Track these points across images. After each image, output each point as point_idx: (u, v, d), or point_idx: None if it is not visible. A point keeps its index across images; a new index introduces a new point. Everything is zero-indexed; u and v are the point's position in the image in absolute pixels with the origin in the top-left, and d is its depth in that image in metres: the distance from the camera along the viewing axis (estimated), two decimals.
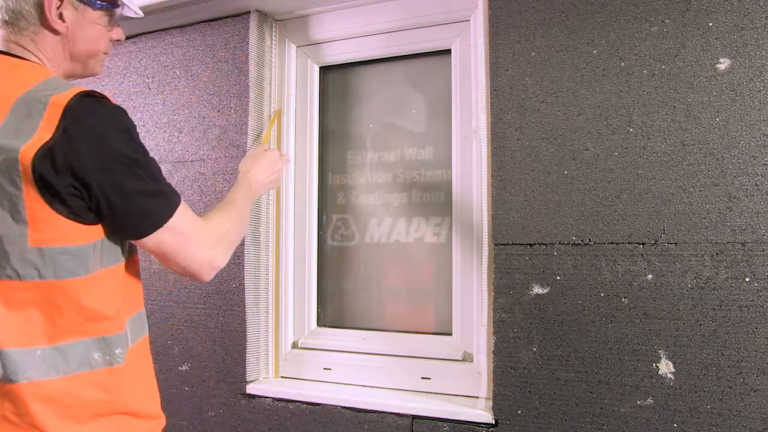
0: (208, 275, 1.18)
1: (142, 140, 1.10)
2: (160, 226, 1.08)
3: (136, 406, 1.11)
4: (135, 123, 1.09)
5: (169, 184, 1.13)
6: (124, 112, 1.07)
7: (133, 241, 1.13)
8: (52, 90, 1.01)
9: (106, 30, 1.19)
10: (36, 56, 1.12)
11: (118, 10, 1.21)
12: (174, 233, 1.10)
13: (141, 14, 1.27)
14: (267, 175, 1.57)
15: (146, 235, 1.08)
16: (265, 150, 1.65)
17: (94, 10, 1.15)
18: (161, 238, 1.09)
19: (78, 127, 0.98)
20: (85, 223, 1.02)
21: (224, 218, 1.26)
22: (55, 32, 1.11)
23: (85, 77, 1.25)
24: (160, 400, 1.22)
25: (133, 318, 1.16)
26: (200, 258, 1.15)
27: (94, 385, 1.05)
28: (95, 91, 1.04)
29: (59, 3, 1.10)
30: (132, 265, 1.17)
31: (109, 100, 1.06)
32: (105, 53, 1.23)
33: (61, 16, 1.11)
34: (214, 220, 1.24)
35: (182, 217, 1.12)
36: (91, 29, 1.16)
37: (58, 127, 0.97)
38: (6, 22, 1.10)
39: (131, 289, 1.17)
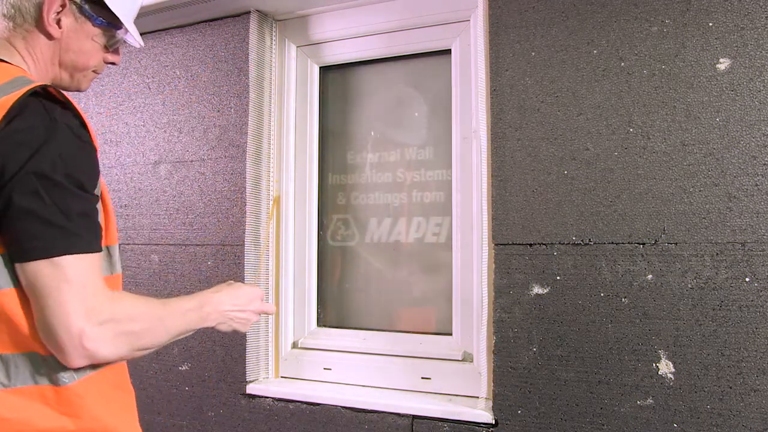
0: (73, 354, 0.91)
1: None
2: (33, 258, 0.90)
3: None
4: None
5: (81, 229, 0.94)
6: (70, 124, 0.96)
7: (16, 265, 0.93)
8: (9, 90, 0.95)
9: (101, 49, 1.16)
10: (22, 56, 1.09)
11: (118, 33, 1.18)
12: (56, 275, 0.90)
13: (141, 44, 1.24)
14: (234, 308, 1.22)
15: (18, 261, 0.91)
16: (252, 286, 1.33)
17: (93, 25, 1.13)
18: (34, 273, 0.90)
19: (6, 127, 0.91)
20: None
21: (140, 309, 1.02)
22: (49, 36, 1.09)
23: (69, 90, 1.19)
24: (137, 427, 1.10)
25: None
26: (70, 323, 0.89)
27: (40, 402, 0.94)
28: (51, 92, 0.97)
29: (60, 9, 1.08)
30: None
31: (64, 106, 0.97)
32: (95, 71, 1.19)
33: (58, 22, 1.09)
34: (126, 302, 1.00)
35: (80, 266, 0.92)
36: (86, 43, 1.13)
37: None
38: (4, 16, 1.09)
39: None
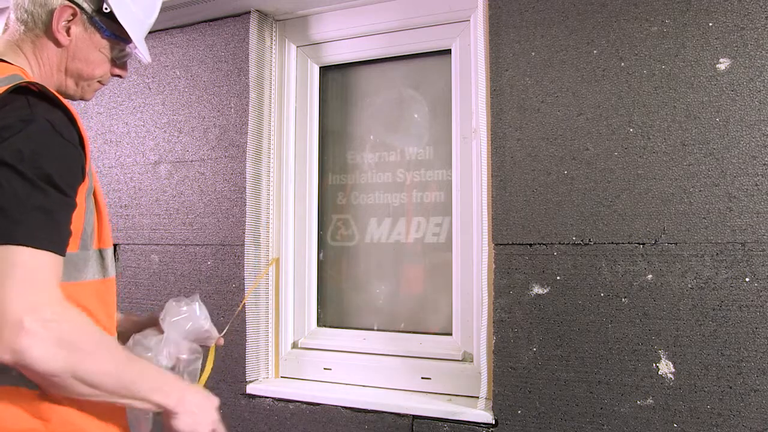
0: (9, 341, 0.82)
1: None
2: None
3: None
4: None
5: (42, 226, 0.88)
6: (55, 121, 0.94)
7: None
8: (2, 85, 0.94)
9: (108, 61, 1.17)
10: (28, 60, 1.10)
11: (127, 48, 1.19)
12: (3, 263, 0.84)
13: (148, 60, 1.25)
14: (201, 410, 1.06)
15: None
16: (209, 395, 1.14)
17: (102, 37, 1.14)
18: None
19: None
20: None
21: (93, 329, 0.94)
22: (57, 43, 1.10)
23: (74, 99, 1.20)
24: None
25: None
26: (7, 310, 0.82)
27: (12, 403, 0.90)
28: (40, 88, 0.96)
29: (71, 17, 1.09)
30: (93, 287, 1.02)
31: (52, 102, 0.96)
32: (100, 82, 1.20)
33: (68, 30, 1.10)
34: (79, 315, 0.92)
35: (31, 260, 0.86)
36: (94, 53, 1.14)
37: None
38: (17, 19, 1.10)
39: (96, 312, 1.00)
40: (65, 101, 1.00)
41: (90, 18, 1.10)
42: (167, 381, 1.05)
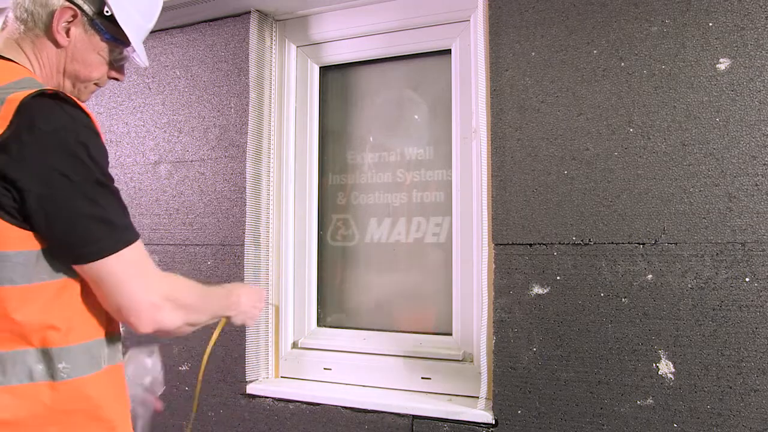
0: (147, 321, 1.03)
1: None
2: (103, 256, 0.98)
3: None
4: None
5: (127, 220, 1.04)
6: (87, 123, 0.99)
7: (74, 266, 1.01)
8: (18, 88, 0.97)
9: (106, 63, 1.18)
10: (29, 59, 1.11)
11: (126, 51, 1.20)
12: (119, 269, 1.00)
13: (146, 64, 1.26)
14: (249, 305, 1.39)
15: (85, 262, 0.98)
16: (259, 287, 1.50)
17: (101, 40, 1.14)
18: (103, 270, 0.99)
19: (30, 129, 0.93)
20: (24, 228, 0.95)
21: (188, 288, 1.16)
22: (56, 44, 1.10)
23: None
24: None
25: (93, 343, 1.05)
26: (143, 299, 1.02)
27: (32, 400, 0.97)
28: (61, 93, 0.99)
29: (71, 19, 1.09)
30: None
31: (75, 106, 1.00)
32: (97, 84, 1.21)
33: (68, 31, 1.10)
34: (177, 281, 1.14)
35: (134, 255, 1.03)
36: (92, 56, 1.15)
37: (11, 123, 0.92)
38: (17, 18, 1.10)
39: (93, 310, 1.06)
40: (81, 104, 1.03)
41: (90, 20, 1.11)
42: (230, 297, 1.33)
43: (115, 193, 1.03)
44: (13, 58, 1.08)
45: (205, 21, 2.22)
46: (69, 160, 0.96)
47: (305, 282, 2.16)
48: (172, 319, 1.08)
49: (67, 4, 1.08)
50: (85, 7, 1.10)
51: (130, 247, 1.02)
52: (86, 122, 1.00)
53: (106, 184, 1.00)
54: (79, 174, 0.96)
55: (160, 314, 1.05)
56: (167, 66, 2.28)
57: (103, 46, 1.15)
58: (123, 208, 1.04)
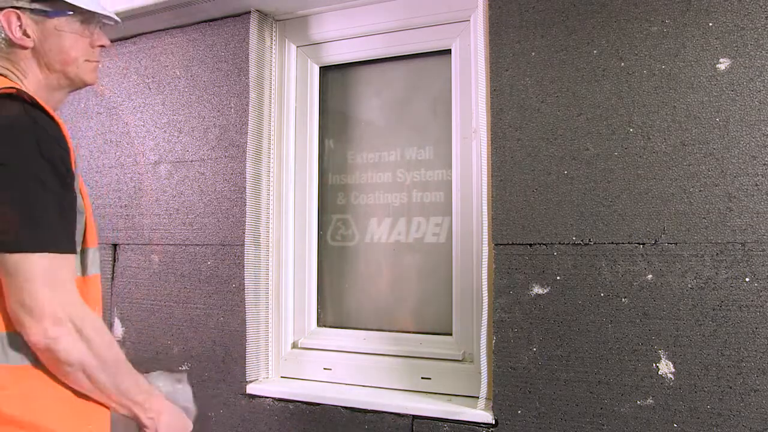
0: (40, 331, 0.96)
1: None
2: (22, 250, 0.96)
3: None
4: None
5: (59, 228, 1.00)
6: (44, 127, 1.00)
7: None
8: None
9: (79, 37, 1.17)
10: (12, 72, 1.13)
11: (86, 17, 1.18)
12: (35, 270, 0.96)
13: (116, 19, 1.24)
14: (170, 427, 1.16)
15: (3, 250, 0.96)
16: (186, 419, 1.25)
17: (50, 18, 1.14)
18: (20, 264, 0.96)
19: None
20: None
21: (103, 335, 1.04)
22: (24, 47, 1.12)
23: (78, 88, 1.22)
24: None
25: None
26: (46, 307, 0.96)
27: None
28: (24, 95, 1.01)
29: (18, 22, 1.11)
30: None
31: (38, 108, 1.01)
32: (88, 60, 1.20)
33: (25, 33, 1.12)
34: (97, 320, 1.04)
35: (56, 265, 0.98)
36: (58, 38, 1.14)
37: None
38: None
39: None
40: (47, 107, 1.04)
41: (30, 11, 1.12)
42: (152, 399, 1.14)
43: (59, 196, 0.99)
44: (4, 74, 1.12)
45: (205, 21, 2.22)
46: (14, 152, 0.96)
47: (305, 282, 2.16)
48: (67, 346, 0.98)
49: (7, 9, 1.10)
50: (20, 3, 1.11)
51: (54, 254, 0.98)
52: (39, 126, 1.00)
53: (46, 185, 0.98)
54: (19, 168, 0.96)
55: (56, 330, 0.97)
56: (167, 66, 2.28)
57: (63, 22, 1.15)
58: (61, 215, 1.00)
